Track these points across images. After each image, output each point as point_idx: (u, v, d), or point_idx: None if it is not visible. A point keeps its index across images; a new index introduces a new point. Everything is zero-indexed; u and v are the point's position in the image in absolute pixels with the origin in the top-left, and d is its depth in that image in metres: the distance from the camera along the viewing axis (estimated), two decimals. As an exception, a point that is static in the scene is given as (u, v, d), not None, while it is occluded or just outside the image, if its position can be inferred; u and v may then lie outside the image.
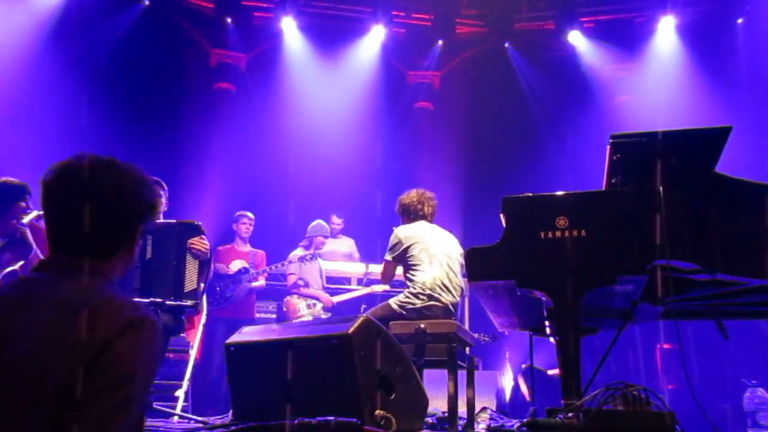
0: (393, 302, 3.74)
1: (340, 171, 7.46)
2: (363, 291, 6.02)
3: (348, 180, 7.41)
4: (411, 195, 4.03)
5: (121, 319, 1.23)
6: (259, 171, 7.38)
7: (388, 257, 3.86)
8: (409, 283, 3.78)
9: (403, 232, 3.88)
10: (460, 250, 3.96)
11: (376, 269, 6.31)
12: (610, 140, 2.67)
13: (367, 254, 6.67)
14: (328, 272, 6.22)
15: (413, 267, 3.77)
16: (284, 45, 7.69)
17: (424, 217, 3.98)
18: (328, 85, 7.77)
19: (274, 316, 6.10)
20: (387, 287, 5.79)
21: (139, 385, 1.22)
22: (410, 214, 4.01)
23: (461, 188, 7.52)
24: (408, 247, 3.80)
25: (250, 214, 5.89)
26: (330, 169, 7.45)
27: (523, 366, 5.85)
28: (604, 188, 2.74)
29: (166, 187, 3.81)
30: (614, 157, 2.67)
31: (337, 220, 6.66)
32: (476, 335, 5.16)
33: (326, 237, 6.04)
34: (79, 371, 1.17)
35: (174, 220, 3.66)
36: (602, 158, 2.77)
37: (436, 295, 3.68)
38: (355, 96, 7.77)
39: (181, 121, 6.99)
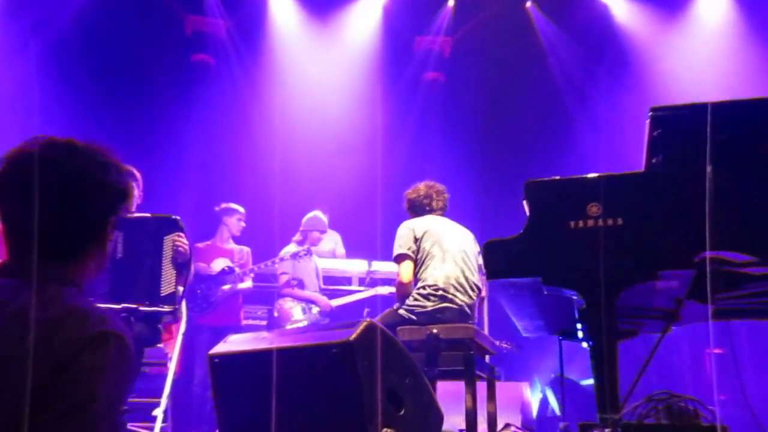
0: (401, 306, 3.75)
1: (336, 156, 7.46)
2: (366, 293, 6.04)
3: (345, 166, 7.42)
4: (418, 188, 4.05)
5: (83, 334, 1.20)
6: (242, 156, 7.38)
7: (403, 250, 3.82)
8: (418, 283, 3.79)
9: (414, 224, 3.89)
10: (477, 247, 3.97)
11: (381, 267, 6.33)
12: (650, 113, 2.66)
13: (368, 251, 6.68)
14: (325, 271, 6.24)
15: (424, 263, 3.78)
16: (271, 9, 7.67)
17: (432, 212, 4.00)
18: (321, 56, 7.76)
19: (264, 322, 6.12)
20: (393, 289, 5.81)
21: (102, 412, 1.18)
22: (417, 210, 4.02)
23: (477, 172, 7.52)
24: (420, 239, 3.81)
25: (241, 209, 5.90)
26: (324, 153, 7.45)
27: (552, 376, 5.87)
28: (643, 169, 2.74)
29: (139, 177, 3.82)
30: (655, 133, 2.66)
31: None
32: (497, 342, 5.18)
33: (323, 232, 6.06)
34: (33, 396, 1.14)
35: (148, 214, 3.67)
36: (641, 135, 2.77)
37: (450, 296, 3.70)
38: (353, 68, 7.76)
39: (153, 99, 7.00)
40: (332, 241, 6.68)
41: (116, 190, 1.39)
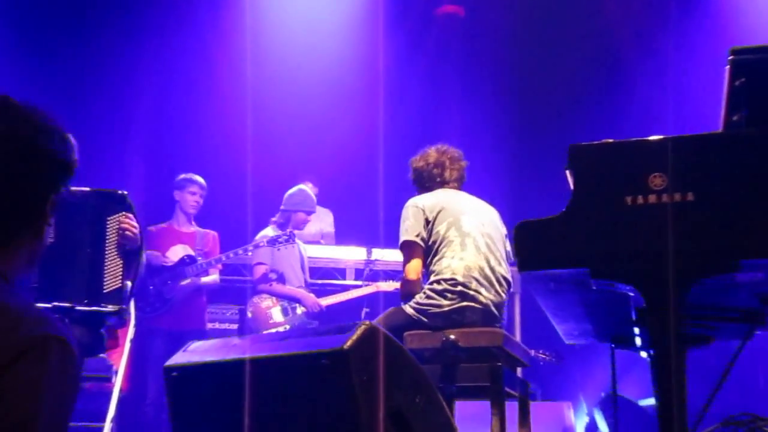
0: (409, 305, 3.77)
1: (326, 114, 7.44)
2: (365, 290, 6.05)
3: (339, 127, 7.39)
4: (427, 155, 4.06)
5: (16, 340, 1.21)
6: (206, 114, 7.36)
7: (410, 237, 3.82)
8: (431, 276, 3.80)
9: (423, 201, 3.90)
10: (504, 229, 3.97)
11: (383, 256, 6.34)
12: (730, 57, 2.64)
13: (368, 236, 6.68)
14: (312, 261, 6.24)
15: (438, 252, 3.79)
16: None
17: (445, 185, 4.01)
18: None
19: (234, 325, 6.14)
20: (397, 285, 5.82)
21: None
22: (425, 183, 4.03)
23: (506, 135, 7.49)
24: (433, 220, 3.81)
25: (200, 179, 5.89)
26: (312, 110, 7.42)
27: (602, 394, 5.89)
28: (720, 129, 2.73)
29: (74, 142, 3.82)
30: (736, 83, 2.64)
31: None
32: (532, 351, 5.19)
33: (310, 213, 6.04)
34: None
35: (87, 188, 3.67)
36: (718, 86, 2.75)
37: (472, 293, 3.70)
38: (348, 2, 7.70)
39: (86, 40, 6.94)
40: (319, 220, 6.68)
41: (59, 163, 1.40)
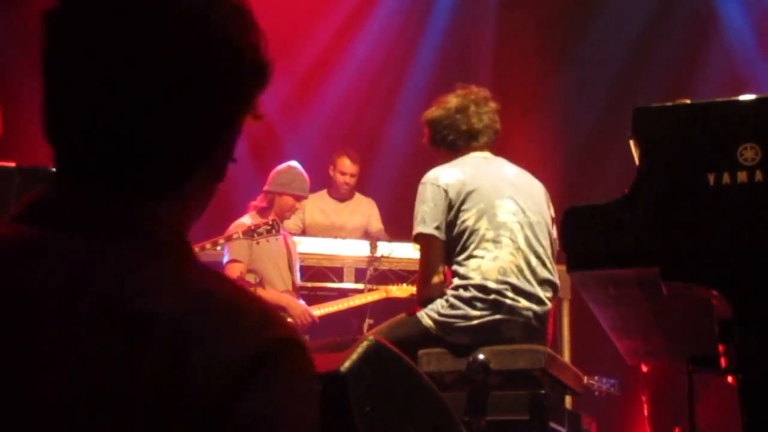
0: (425, 314, 3.76)
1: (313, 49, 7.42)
2: (368, 296, 6.04)
3: (326, 75, 7.36)
4: (445, 101, 4.01)
5: (243, 348, 0.99)
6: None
7: (427, 228, 3.81)
8: (455, 278, 3.79)
9: (446, 177, 3.87)
10: (551, 211, 3.95)
11: (393, 251, 6.31)
12: None
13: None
14: (304, 258, 6.23)
15: (466, 247, 3.79)
16: None
17: (471, 142, 3.98)
18: None
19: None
20: (413, 289, 5.81)
21: None
22: (446, 138, 3.99)
23: (553, 95, 7.47)
24: (458, 205, 3.79)
25: None
26: (295, 47, 7.41)
27: (676, 431, 5.89)
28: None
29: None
30: None
31: (349, 167, 6.64)
32: (585, 377, 5.18)
33: (301, 197, 6.01)
34: None
35: (12, 164, 3.66)
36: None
37: (509, 302, 3.71)
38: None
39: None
40: (360, 213, 6.69)
41: (257, 69, 1.19)
